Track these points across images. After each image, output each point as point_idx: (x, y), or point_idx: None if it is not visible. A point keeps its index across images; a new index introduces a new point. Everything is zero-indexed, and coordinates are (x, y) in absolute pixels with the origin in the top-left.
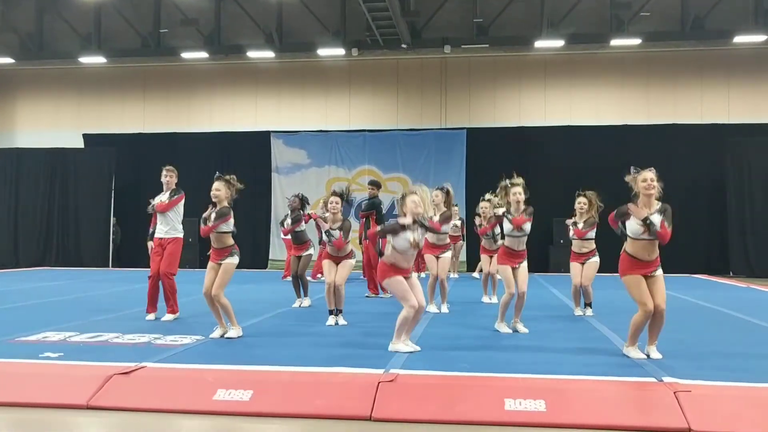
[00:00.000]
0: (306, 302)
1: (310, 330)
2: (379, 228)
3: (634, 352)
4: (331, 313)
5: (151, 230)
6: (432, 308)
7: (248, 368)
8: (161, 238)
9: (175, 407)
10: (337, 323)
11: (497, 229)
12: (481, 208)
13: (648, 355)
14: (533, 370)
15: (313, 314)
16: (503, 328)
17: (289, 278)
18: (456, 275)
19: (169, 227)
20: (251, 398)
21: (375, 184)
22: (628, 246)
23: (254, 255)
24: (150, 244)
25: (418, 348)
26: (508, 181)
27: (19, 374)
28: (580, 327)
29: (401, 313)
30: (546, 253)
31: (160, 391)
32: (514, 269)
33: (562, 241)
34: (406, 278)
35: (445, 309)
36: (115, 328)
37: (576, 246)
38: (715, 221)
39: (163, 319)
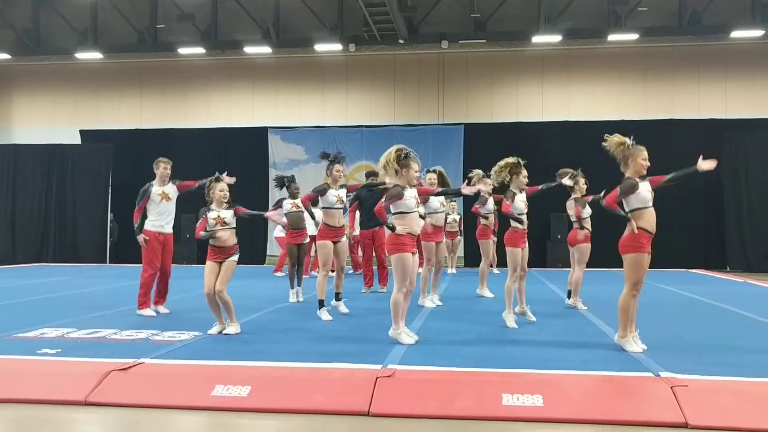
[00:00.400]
0: (300, 297)
1: (308, 325)
2: (383, 199)
3: (630, 346)
4: (322, 305)
5: (139, 223)
6: (428, 303)
7: (246, 364)
8: (163, 233)
9: (173, 403)
10: (337, 308)
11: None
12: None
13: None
14: (530, 365)
15: (312, 309)
16: (510, 321)
17: (280, 273)
18: (454, 270)
19: (168, 220)
20: (249, 394)
21: (375, 174)
22: (640, 221)
23: (252, 251)
24: (143, 237)
25: (417, 337)
26: (518, 160)
27: (17, 371)
28: (577, 322)
29: (393, 296)
30: (543, 248)
31: (158, 387)
32: (522, 250)
33: (559, 236)
34: (413, 250)
35: (437, 301)
36: (112, 325)
37: (588, 224)
38: (712, 216)
39: (162, 311)
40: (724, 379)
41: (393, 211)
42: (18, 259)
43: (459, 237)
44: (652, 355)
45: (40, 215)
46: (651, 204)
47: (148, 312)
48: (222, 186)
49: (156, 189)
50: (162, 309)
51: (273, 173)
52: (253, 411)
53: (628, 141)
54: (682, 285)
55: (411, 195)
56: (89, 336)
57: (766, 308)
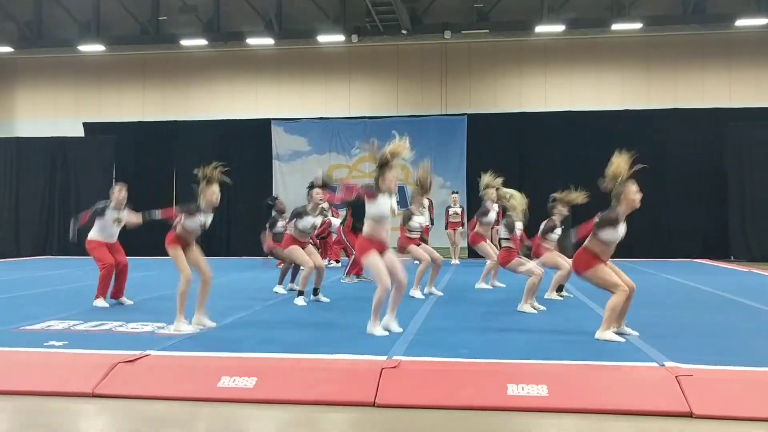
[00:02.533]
0: (283, 290)
1: (312, 317)
2: (356, 191)
3: (611, 335)
4: (301, 294)
5: (76, 227)
6: (417, 294)
7: (252, 355)
8: (110, 243)
9: (180, 395)
10: (318, 300)
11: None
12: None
13: (623, 334)
14: (535, 355)
15: (313, 302)
16: (529, 309)
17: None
18: (457, 261)
19: (115, 236)
20: (255, 385)
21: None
22: (595, 247)
23: (255, 242)
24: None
25: (400, 329)
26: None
27: (24, 363)
28: (580, 312)
29: (375, 294)
30: None
31: (165, 379)
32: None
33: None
34: (383, 253)
35: (420, 294)
36: (118, 317)
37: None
38: (716, 205)
39: (126, 303)
40: (729, 369)
41: (366, 215)
42: (22, 251)
43: (462, 228)
44: (656, 344)
45: (43, 208)
46: (615, 243)
47: (102, 303)
48: (214, 189)
49: (111, 213)
50: (126, 300)
51: (276, 165)
52: (259, 402)
53: (622, 176)
54: (686, 275)
55: (386, 203)
56: (95, 328)
57: None
